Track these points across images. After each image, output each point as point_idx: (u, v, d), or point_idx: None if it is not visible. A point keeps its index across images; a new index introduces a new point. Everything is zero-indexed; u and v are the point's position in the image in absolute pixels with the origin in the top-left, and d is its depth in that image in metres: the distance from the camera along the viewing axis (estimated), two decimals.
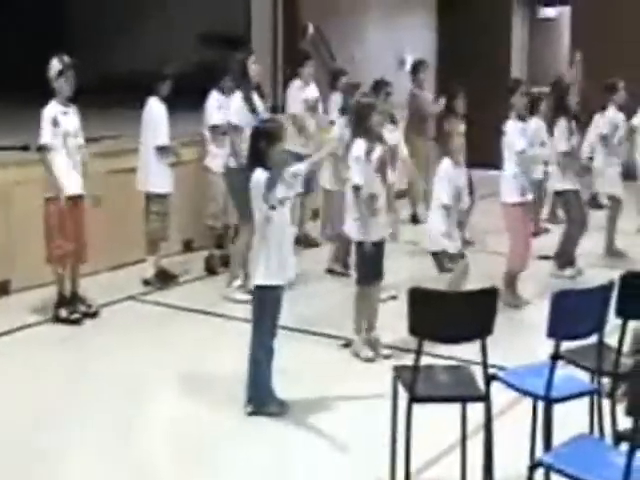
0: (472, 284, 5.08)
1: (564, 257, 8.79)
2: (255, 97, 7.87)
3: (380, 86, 8.18)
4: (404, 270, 8.42)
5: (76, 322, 7.36)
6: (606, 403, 4.67)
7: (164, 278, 8.50)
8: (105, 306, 7.72)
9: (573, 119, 8.66)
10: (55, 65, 7.19)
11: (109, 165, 8.65)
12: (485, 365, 4.44)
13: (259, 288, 5.58)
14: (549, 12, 15.86)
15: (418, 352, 4.39)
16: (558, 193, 8.93)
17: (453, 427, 4.73)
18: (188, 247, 9.75)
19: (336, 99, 9.79)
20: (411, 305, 4.40)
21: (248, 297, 6.42)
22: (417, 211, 11.09)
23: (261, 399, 5.64)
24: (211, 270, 8.91)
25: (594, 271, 8.57)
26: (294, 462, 5.22)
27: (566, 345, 4.55)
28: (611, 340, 4.67)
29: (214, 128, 8.75)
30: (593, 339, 4.56)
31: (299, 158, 7.03)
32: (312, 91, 9.90)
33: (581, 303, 4.45)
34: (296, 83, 9.96)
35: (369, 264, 6.60)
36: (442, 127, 9.46)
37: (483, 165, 10.09)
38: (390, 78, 8.52)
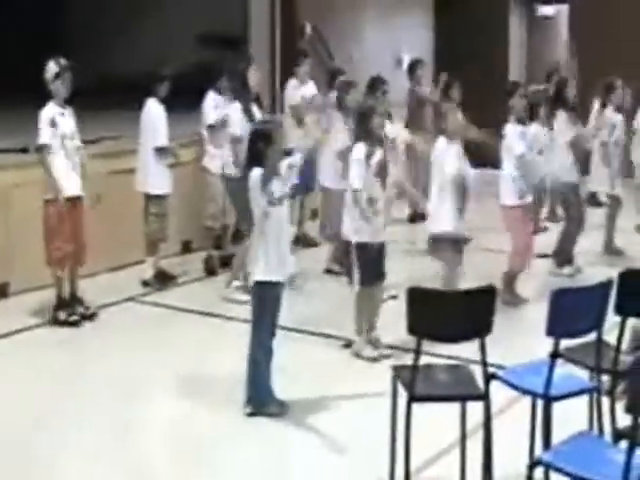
0: (470, 283, 5.07)
1: (563, 255, 8.79)
2: (254, 108, 7.91)
3: (376, 84, 8.17)
4: (403, 270, 8.41)
5: (75, 324, 7.36)
6: (605, 401, 4.67)
7: (163, 279, 8.50)
8: (104, 307, 7.73)
9: (571, 111, 8.65)
10: (52, 67, 7.20)
11: (108, 166, 8.63)
12: (484, 364, 4.44)
13: (259, 285, 5.58)
14: (547, 10, 15.83)
15: (417, 351, 4.39)
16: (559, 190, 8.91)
17: (452, 426, 4.73)
18: (187, 248, 9.74)
19: (334, 98, 9.77)
20: (410, 304, 4.40)
21: (247, 297, 6.42)
22: (417, 211, 11.06)
23: (260, 399, 5.63)
24: (210, 271, 8.90)
25: (593, 269, 8.58)
26: (294, 462, 5.22)
27: (565, 343, 4.55)
28: (610, 338, 4.68)
29: (211, 127, 8.76)
30: (592, 337, 4.55)
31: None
32: (309, 89, 9.89)
33: (580, 301, 4.44)
34: (292, 82, 9.96)
35: (371, 266, 6.58)
36: (438, 111, 9.35)
37: (483, 165, 10.05)
38: (387, 77, 8.52)
